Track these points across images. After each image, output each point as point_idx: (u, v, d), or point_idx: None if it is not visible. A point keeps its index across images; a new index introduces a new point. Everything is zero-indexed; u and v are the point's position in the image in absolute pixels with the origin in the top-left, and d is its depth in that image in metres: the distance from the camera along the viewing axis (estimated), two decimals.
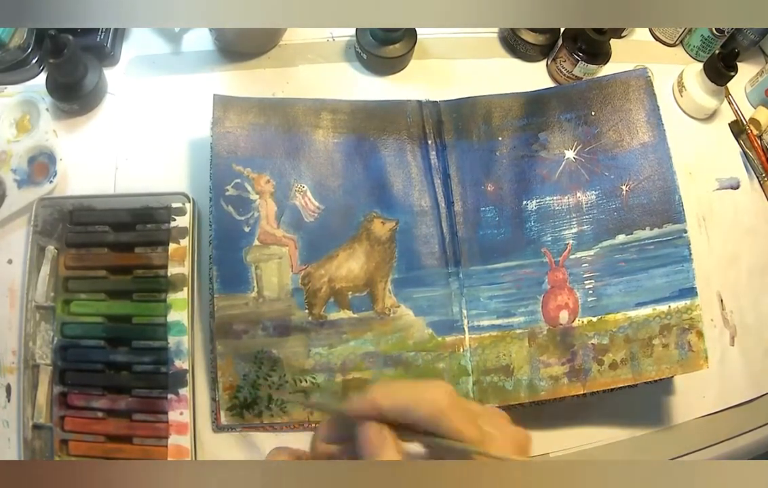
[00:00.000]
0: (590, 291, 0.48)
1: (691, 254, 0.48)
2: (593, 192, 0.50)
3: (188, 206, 0.48)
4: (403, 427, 0.29)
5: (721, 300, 0.56)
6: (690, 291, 0.47)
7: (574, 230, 0.49)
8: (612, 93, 0.52)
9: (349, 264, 0.48)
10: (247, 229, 0.47)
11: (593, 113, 0.52)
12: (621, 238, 0.49)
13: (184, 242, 0.47)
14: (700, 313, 0.47)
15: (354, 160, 0.50)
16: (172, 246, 0.47)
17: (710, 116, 0.62)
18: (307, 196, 0.49)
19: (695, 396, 0.52)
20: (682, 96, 0.61)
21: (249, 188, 0.47)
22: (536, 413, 0.49)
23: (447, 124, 0.52)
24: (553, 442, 0.49)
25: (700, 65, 0.60)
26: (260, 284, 0.46)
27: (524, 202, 0.50)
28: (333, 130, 0.50)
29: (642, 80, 0.52)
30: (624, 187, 0.50)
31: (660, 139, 0.51)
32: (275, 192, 0.48)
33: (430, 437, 0.29)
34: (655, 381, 0.48)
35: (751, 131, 0.61)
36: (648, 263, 0.48)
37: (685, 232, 0.49)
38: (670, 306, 0.47)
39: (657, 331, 0.47)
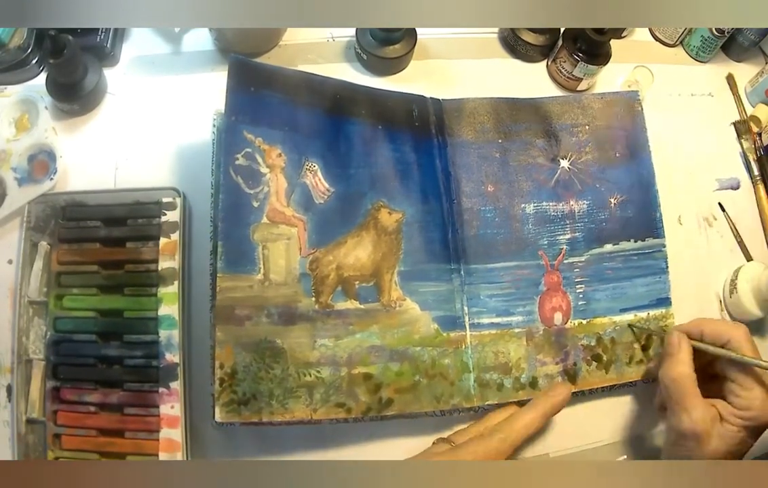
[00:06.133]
0: (581, 295, 0.50)
1: (668, 267, 0.52)
2: (585, 201, 0.52)
3: (178, 201, 0.47)
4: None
5: (721, 301, 0.56)
6: (665, 301, 0.51)
7: (568, 236, 0.51)
8: (605, 110, 0.55)
9: (357, 253, 0.47)
10: (256, 204, 0.45)
11: (587, 127, 0.54)
12: (608, 247, 0.52)
13: (175, 236, 0.47)
14: (673, 321, 0.51)
15: (364, 146, 0.49)
16: (162, 240, 0.46)
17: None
18: (318, 176, 0.47)
19: None
20: (732, 297, 0.54)
21: (260, 160, 0.46)
22: None
23: (449, 123, 0.52)
24: (552, 442, 0.49)
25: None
26: (267, 266, 0.44)
27: (522, 205, 0.51)
28: (347, 114, 0.49)
29: (634, 102, 0.56)
30: (612, 200, 0.53)
31: (646, 159, 0.54)
32: (286, 167, 0.46)
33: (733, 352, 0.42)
34: (645, 381, 0.50)
35: (751, 129, 0.61)
36: (631, 272, 0.51)
37: (664, 246, 0.52)
38: (648, 314, 0.51)
39: (637, 335, 0.51)
